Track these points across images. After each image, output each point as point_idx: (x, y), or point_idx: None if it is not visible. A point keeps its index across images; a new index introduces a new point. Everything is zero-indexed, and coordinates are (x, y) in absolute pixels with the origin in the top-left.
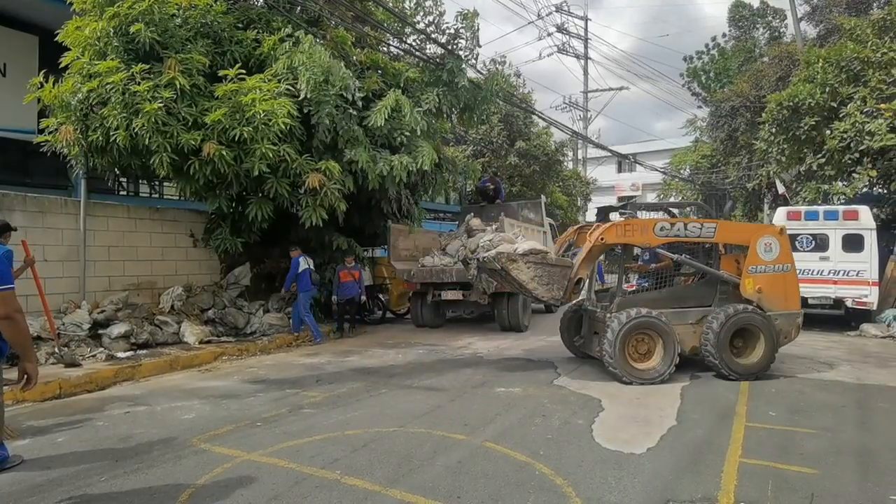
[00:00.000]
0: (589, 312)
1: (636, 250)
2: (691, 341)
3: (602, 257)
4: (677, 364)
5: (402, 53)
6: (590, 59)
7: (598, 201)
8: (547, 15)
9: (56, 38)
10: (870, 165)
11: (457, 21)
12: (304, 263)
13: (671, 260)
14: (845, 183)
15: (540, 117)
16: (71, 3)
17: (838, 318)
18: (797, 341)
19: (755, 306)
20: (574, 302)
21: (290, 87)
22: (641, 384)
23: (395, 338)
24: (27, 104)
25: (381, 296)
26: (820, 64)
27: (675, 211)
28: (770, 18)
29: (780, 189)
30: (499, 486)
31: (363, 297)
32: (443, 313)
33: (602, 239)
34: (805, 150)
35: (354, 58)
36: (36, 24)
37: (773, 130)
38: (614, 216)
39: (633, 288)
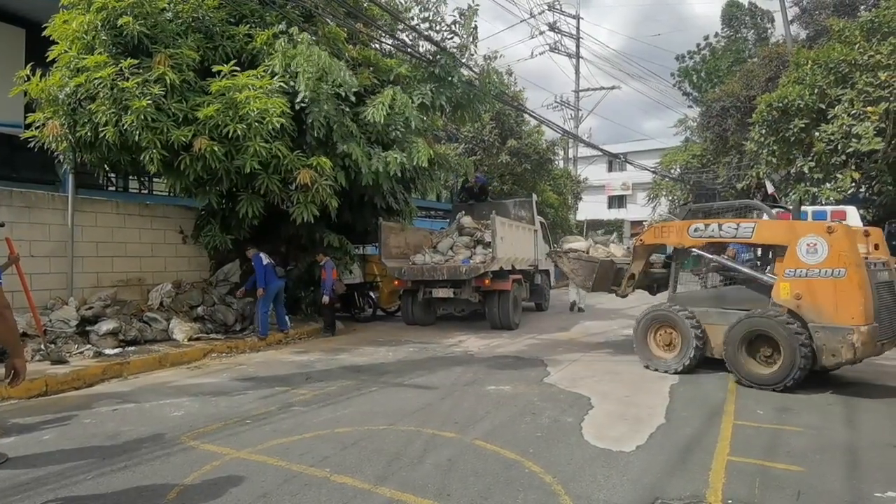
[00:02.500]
0: None
1: (730, 248)
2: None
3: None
4: (698, 360)
5: (394, 50)
6: (581, 57)
7: (588, 200)
8: (539, 13)
9: (43, 32)
10: (853, 167)
11: (454, 18)
12: (266, 258)
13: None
14: (832, 185)
15: (532, 116)
16: None
17: None
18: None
19: (789, 314)
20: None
21: (284, 85)
22: (655, 370)
23: (386, 335)
24: (13, 98)
25: (371, 293)
26: (809, 65)
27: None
28: (758, 20)
29: (770, 189)
30: (488, 484)
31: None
32: (434, 311)
33: (641, 241)
34: (794, 152)
35: (347, 54)
36: (23, 16)
37: (763, 132)
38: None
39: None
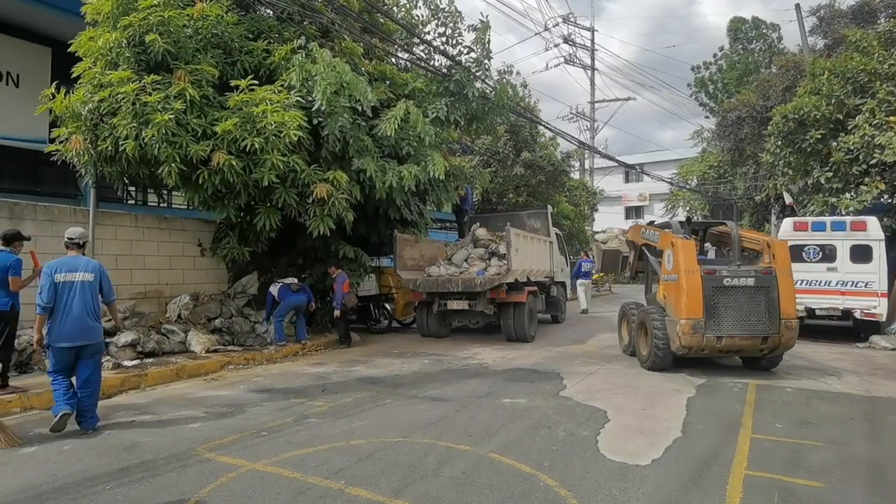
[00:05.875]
0: None
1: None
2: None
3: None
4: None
5: (409, 65)
6: (596, 69)
7: (604, 211)
8: (553, 26)
9: (69, 49)
10: (878, 178)
11: (471, 34)
12: (275, 287)
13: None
14: (853, 196)
15: (547, 127)
16: (83, 15)
17: (846, 329)
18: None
19: (661, 309)
20: None
21: (301, 99)
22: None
23: (401, 347)
24: (39, 114)
25: (387, 305)
26: (826, 76)
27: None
28: (763, 30)
29: (788, 200)
30: (503, 498)
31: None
32: (449, 323)
33: (627, 236)
34: (812, 163)
35: (363, 69)
36: (49, 35)
37: (779, 143)
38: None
39: None
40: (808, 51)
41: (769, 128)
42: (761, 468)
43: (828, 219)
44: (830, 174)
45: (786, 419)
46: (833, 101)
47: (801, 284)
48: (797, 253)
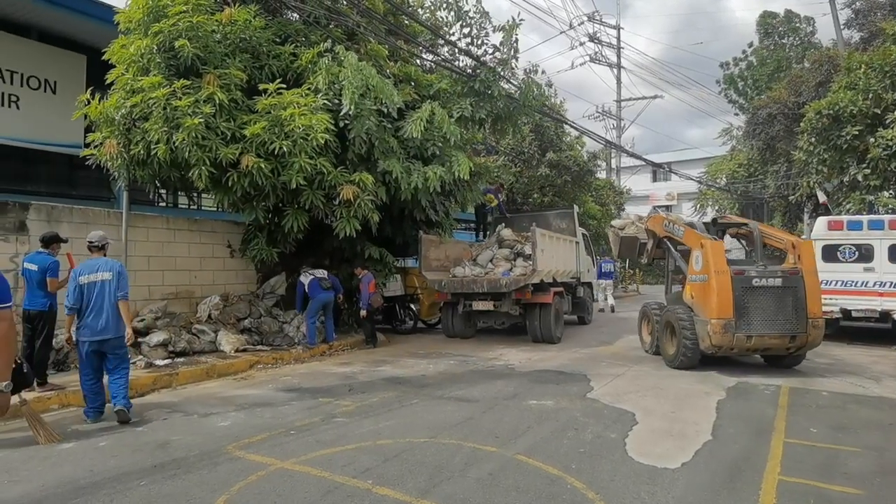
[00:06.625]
0: None
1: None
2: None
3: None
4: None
5: (434, 66)
6: (623, 68)
7: (632, 211)
8: (579, 25)
9: (103, 57)
10: None
11: (497, 34)
12: (307, 277)
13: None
14: (892, 193)
15: (573, 126)
16: (117, 24)
17: (885, 332)
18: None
19: (688, 309)
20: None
21: (327, 102)
22: (646, 352)
23: (427, 348)
24: (74, 120)
25: (412, 306)
26: (862, 70)
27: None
28: (796, 24)
29: (822, 198)
30: (530, 500)
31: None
32: (474, 324)
33: (646, 224)
34: (847, 160)
35: (389, 70)
36: (84, 43)
37: (813, 140)
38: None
39: None
40: (842, 44)
41: (802, 124)
42: (796, 474)
43: (865, 217)
44: (868, 171)
45: (821, 423)
46: (870, 95)
47: (835, 285)
48: (832, 253)
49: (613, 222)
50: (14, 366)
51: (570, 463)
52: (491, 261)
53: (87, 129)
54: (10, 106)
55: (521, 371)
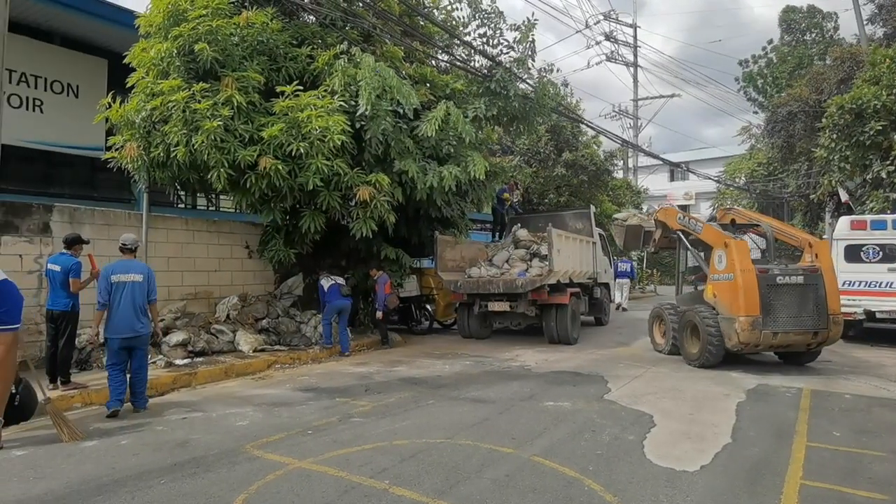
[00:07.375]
0: None
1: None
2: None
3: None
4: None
5: (449, 66)
6: (639, 66)
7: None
8: (595, 24)
9: (124, 61)
10: None
11: (513, 32)
12: (327, 282)
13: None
14: None
15: (589, 126)
16: (137, 28)
17: None
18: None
19: (711, 308)
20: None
21: (344, 103)
22: (659, 352)
23: (442, 348)
24: (96, 123)
25: (428, 306)
26: (886, 64)
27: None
28: (819, 19)
29: (844, 197)
30: (547, 501)
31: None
32: (490, 324)
33: (656, 215)
34: (870, 157)
35: (404, 72)
36: (105, 48)
37: (834, 136)
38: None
39: None
40: (865, 40)
41: (823, 120)
42: (818, 478)
43: (889, 216)
44: (892, 168)
45: (844, 427)
46: (894, 90)
47: (859, 286)
48: (855, 253)
49: (617, 216)
50: (12, 395)
51: (588, 465)
52: (507, 261)
53: (109, 133)
54: (34, 110)
55: (538, 372)
